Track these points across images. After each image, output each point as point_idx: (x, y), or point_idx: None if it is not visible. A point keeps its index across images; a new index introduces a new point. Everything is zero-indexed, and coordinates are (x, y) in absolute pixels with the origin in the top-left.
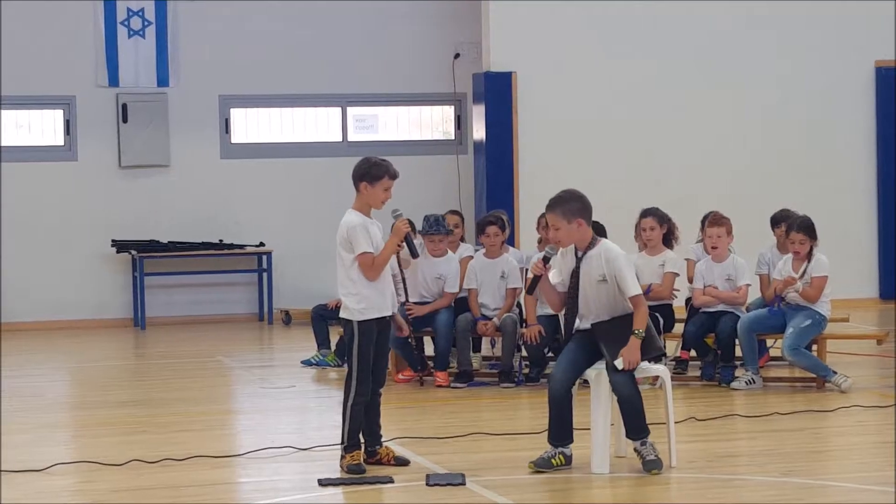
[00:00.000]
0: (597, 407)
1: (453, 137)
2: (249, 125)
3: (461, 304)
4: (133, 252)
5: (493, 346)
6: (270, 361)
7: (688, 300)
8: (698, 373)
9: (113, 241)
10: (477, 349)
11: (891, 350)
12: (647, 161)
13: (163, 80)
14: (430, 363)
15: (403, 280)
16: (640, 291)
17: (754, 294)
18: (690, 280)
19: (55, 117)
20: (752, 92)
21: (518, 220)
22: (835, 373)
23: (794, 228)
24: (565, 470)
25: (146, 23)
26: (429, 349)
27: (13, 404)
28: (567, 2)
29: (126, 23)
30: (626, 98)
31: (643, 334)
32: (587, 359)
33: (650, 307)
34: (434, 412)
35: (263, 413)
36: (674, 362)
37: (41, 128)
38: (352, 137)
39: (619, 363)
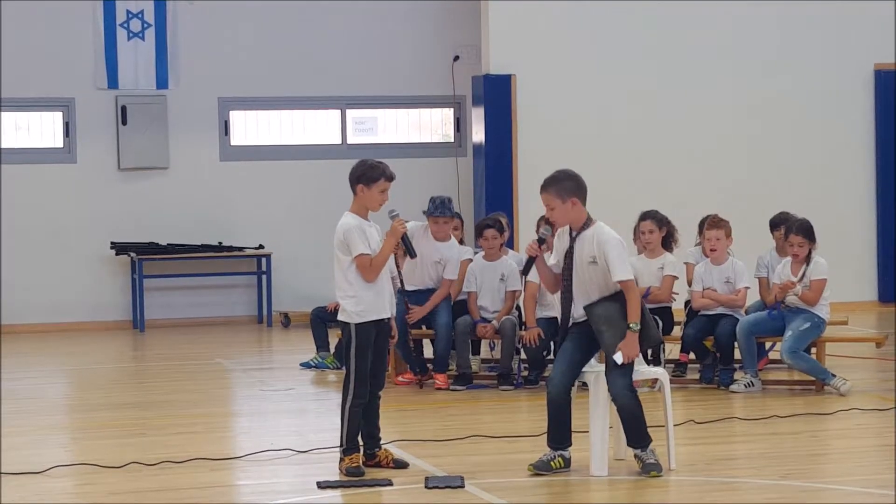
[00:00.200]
0: (595, 410)
1: (452, 140)
2: (249, 127)
3: (460, 306)
4: (132, 254)
5: (492, 348)
6: (269, 364)
7: (687, 303)
8: (697, 376)
9: (112, 243)
10: (476, 352)
11: (889, 353)
12: (646, 164)
13: (162, 83)
14: (430, 366)
15: (400, 274)
16: (630, 277)
17: (753, 297)
18: (689, 284)
19: (54, 119)
20: (752, 95)
21: (517, 223)
22: (834, 376)
23: (792, 231)
24: (564, 473)
25: (146, 25)
26: (428, 352)
27: (11, 406)
28: (566, 5)
29: (125, 25)
30: (625, 101)
31: (639, 327)
32: (584, 357)
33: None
34: (433, 415)
35: (262, 415)
36: (673, 365)
37: (40, 130)
38: (351, 140)
39: (617, 358)
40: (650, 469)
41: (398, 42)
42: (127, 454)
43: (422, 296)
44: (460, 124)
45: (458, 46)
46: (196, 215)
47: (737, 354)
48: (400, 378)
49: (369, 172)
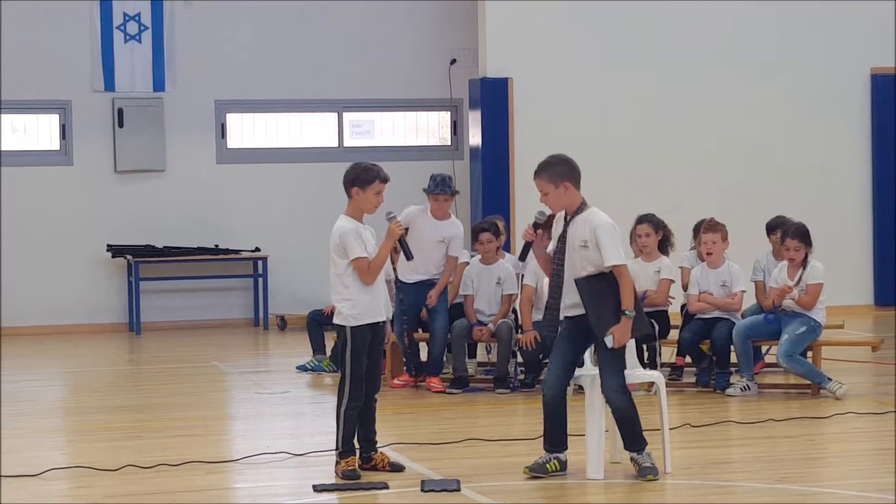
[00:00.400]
0: (591, 413)
1: (449, 143)
2: (245, 130)
3: (457, 309)
4: (128, 257)
5: (488, 352)
6: (265, 367)
7: (683, 307)
8: (693, 379)
9: (108, 245)
10: (472, 355)
11: (885, 357)
12: (643, 167)
13: (159, 85)
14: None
15: (395, 271)
16: (622, 261)
17: (749, 301)
18: (684, 288)
19: (51, 122)
20: (749, 99)
21: (514, 227)
22: (829, 379)
23: (789, 235)
24: (560, 476)
25: (142, 27)
26: (425, 353)
27: (8, 409)
28: (563, 8)
29: (122, 27)
30: (622, 104)
31: (633, 314)
32: (577, 355)
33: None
34: (429, 418)
35: (258, 418)
36: (669, 368)
37: (37, 132)
38: (348, 143)
39: (608, 341)
40: (646, 473)
41: (395, 45)
42: (123, 457)
43: (421, 288)
44: (457, 127)
45: (455, 49)
46: (193, 218)
47: (733, 358)
48: (396, 381)
49: (364, 175)
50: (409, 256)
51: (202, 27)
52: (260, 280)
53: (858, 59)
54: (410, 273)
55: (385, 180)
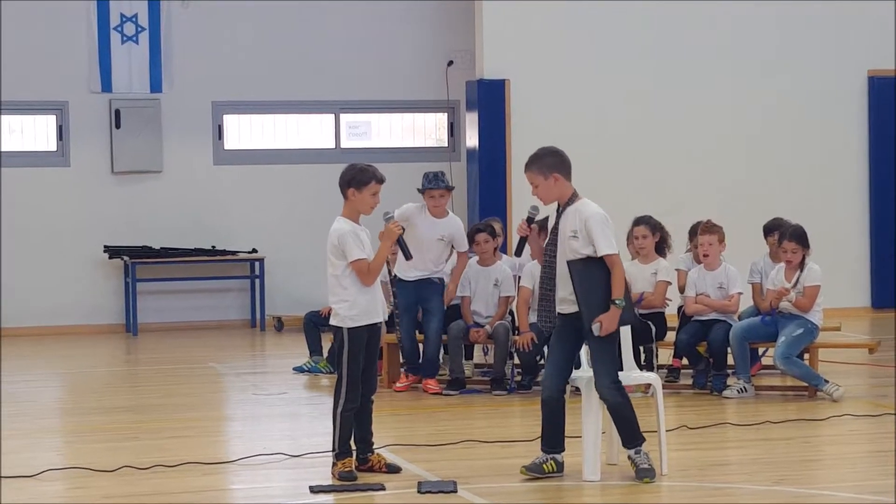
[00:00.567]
0: (587, 414)
1: (446, 145)
2: (242, 131)
3: (453, 311)
4: (125, 258)
5: (485, 353)
6: (262, 368)
7: (680, 308)
8: (690, 381)
9: (105, 246)
10: (469, 357)
11: (882, 359)
12: (641, 169)
13: (156, 86)
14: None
15: (390, 273)
16: (614, 251)
17: (746, 302)
18: (681, 290)
19: (48, 123)
20: (747, 102)
21: (511, 228)
22: (826, 381)
23: (786, 237)
24: (557, 477)
25: (139, 28)
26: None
27: (5, 410)
28: (561, 9)
29: (119, 28)
30: (619, 106)
31: (623, 304)
32: (572, 353)
33: (642, 315)
34: (426, 419)
35: (255, 420)
36: (665, 370)
37: (34, 133)
38: (345, 144)
39: (595, 329)
40: (643, 475)
41: (392, 46)
42: (120, 458)
43: (420, 285)
44: (454, 129)
45: (453, 51)
46: (189, 219)
47: (730, 360)
48: (397, 385)
49: (359, 176)
50: (407, 256)
51: (199, 28)
52: (257, 281)
53: (857, 61)
54: (409, 270)
55: (381, 181)
